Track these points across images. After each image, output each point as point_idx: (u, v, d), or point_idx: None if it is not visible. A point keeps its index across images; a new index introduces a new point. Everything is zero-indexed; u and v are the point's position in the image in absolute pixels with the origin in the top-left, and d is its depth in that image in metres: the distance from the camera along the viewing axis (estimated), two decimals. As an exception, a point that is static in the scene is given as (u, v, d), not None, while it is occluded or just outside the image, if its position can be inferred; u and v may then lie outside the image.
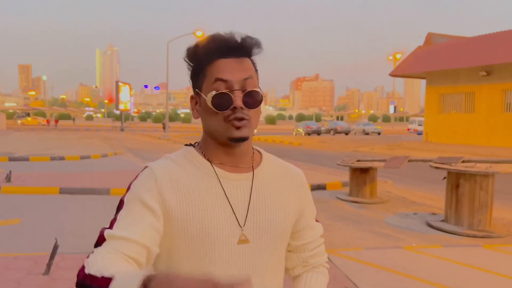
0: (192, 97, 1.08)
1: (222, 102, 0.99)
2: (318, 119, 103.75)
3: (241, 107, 0.99)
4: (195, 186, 1.02)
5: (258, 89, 1.02)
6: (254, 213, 1.04)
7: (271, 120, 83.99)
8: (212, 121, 1.02)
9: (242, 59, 1.02)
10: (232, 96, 0.99)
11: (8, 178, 9.20)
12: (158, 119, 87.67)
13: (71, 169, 12.06)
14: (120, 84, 46.48)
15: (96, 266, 0.83)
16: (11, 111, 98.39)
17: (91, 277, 0.81)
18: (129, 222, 0.95)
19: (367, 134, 44.12)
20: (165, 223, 0.98)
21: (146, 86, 69.75)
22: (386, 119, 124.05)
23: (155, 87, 68.87)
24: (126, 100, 47.86)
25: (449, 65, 24.55)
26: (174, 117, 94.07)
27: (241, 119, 0.99)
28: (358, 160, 8.49)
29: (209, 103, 0.99)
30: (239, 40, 1.01)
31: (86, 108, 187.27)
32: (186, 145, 1.12)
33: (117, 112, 50.27)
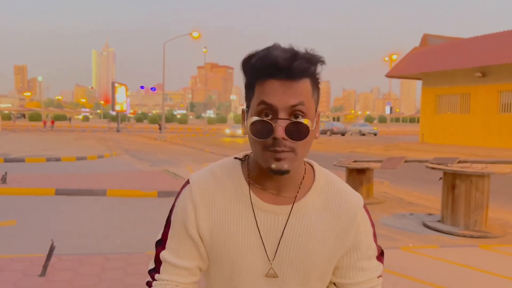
0: (243, 111, 0.98)
1: (262, 130, 0.88)
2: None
3: (284, 138, 0.88)
4: (229, 211, 0.98)
5: (305, 120, 0.88)
6: (285, 248, 0.98)
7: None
8: (253, 146, 0.93)
9: (295, 81, 0.88)
10: (273, 125, 0.87)
11: (3, 179, 9.15)
12: (154, 120, 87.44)
13: (67, 170, 12.02)
14: (116, 85, 46.38)
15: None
16: (6, 112, 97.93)
17: None
18: (177, 245, 1.02)
19: (364, 135, 44.23)
20: (203, 248, 1.03)
21: (142, 87, 69.66)
22: (382, 120, 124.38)
23: (151, 88, 68.71)
24: (122, 101, 47.76)
25: (445, 66, 24.66)
26: (170, 118, 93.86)
27: (283, 151, 0.89)
28: (355, 161, 8.51)
29: (248, 129, 0.90)
30: (293, 59, 0.87)
31: (82, 109, 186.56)
32: (235, 158, 1.04)
33: (113, 113, 50.14)
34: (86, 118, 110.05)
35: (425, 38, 28.89)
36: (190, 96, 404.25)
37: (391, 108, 66.92)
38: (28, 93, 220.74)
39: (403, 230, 6.27)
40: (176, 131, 49.00)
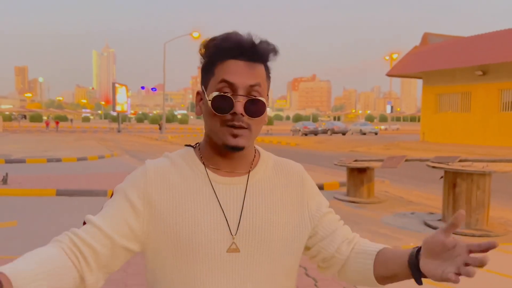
0: (198, 93, 1.03)
1: (223, 105, 0.94)
2: (315, 119, 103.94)
3: (242, 114, 0.93)
4: (186, 189, 0.98)
5: (262, 98, 0.95)
6: (247, 219, 0.98)
7: (268, 121, 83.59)
8: (210, 122, 0.97)
9: (254, 64, 0.96)
10: (234, 100, 0.93)
11: (4, 180, 9.16)
12: (155, 120, 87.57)
13: (68, 171, 12.02)
14: (116, 85, 46.43)
15: (38, 249, 0.87)
16: (7, 113, 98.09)
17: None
18: (109, 212, 0.96)
19: (364, 134, 44.23)
20: (149, 222, 0.96)
21: (143, 88, 69.74)
22: (383, 119, 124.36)
23: (152, 89, 68.76)
24: (123, 102, 47.81)
25: (445, 65, 24.65)
26: (171, 118, 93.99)
27: (240, 127, 0.94)
28: (355, 160, 8.50)
29: (209, 104, 0.95)
30: (254, 43, 0.95)
31: (83, 110, 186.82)
32: (186, 145, 1.08)
33: (114, 113, 50.20)
34: (86, 119, 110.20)
35: (426, 37, 28.87)
36: (190, 96, 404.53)
37: (391, 107, 66.82)
38: (29, 94, 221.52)
39: (404, 229, 6.26)
40: (176, 131, 49.04)
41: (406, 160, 7.63)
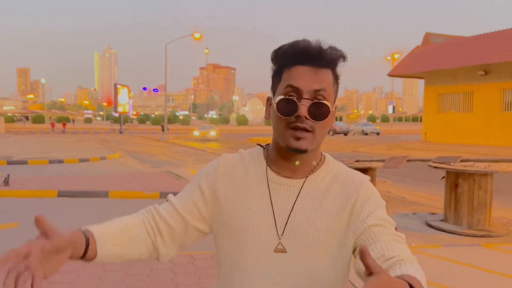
0: (268, 98, 1.08)
1: (287, 108, 0.97)
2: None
3: (306, 117, 0.96)
4: (246, 184, 1.05)
5: (326, 102, 0.97)
6: (294, 222, 1.00)
7: (270, 122, 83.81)
8: (276, 125, 1.01)
9: (320, 69, 0.98)
10: (298, 103, 0.96)
11: (6, 182, 9.17)
12: (157, 121, 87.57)
13: (69, 172, 12.04)
14: (118, 86, 46.47)
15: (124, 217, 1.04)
16: (9, 114, 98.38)
17: None
18: (184, 195, 1.09)
19: (366, 134, 44.15)
20: (214, 209, 1.07)
21: (144, 89, 69.79)
22: (385, 119, 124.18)
23: (153, 89, 68.85)
24: (125, 103, 47.84)
25: (447, 65, 24.60)
26: (173, 119, 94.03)
27: (303, 129, 0.97)
28: (357, 161, 8.48)
29: (274, 107, 0.99)
30: (320, 49, 0.98)
31: (85, 111, 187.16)
32: (257, 144, 1.14)
33: (116, 114, 50.27)
34: (88, 120, 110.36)
35: (427, 37, 28.82)
36: (192, 97, 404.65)
37: (393, 108, 66.66)
38: (31, 95, 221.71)
39: (406, 229, 6.24)
40: (178, 132, 49.05)
41: (408, 160, 7.60)
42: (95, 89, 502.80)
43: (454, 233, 5.93)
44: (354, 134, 45.47)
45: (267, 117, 1.07)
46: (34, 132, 44.96)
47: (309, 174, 1.05)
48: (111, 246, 0.96)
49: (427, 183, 10.46)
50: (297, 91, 0.97)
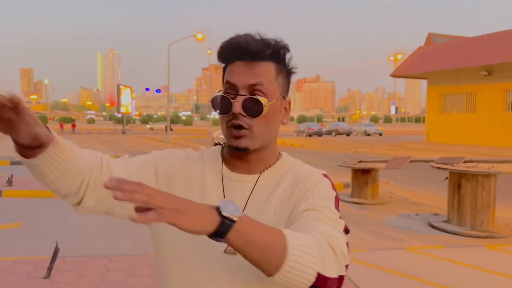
0: None
1: (221, 105, 0.95)
2: (319, 120, 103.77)
3: (241, 114, 0.93)
4: (201, 180, 1.01)
5: (259, 97, 0.92)
6: None
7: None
8: (220, 124, 0.99)
9: (257, 63, 0.94)
10: (232, 101, 0.93)
11: (9, 182, 9.20)
12: (159, 121, 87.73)
13: (72, 173, 12.06)
14: (121, 87, 46.62)
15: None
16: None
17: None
18: (136, 161, 1.05)
19: (369, 135, 44.09)
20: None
21: (147, 89, 69.95)
22: (388, 120, 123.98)
23: (156, 90, 68.95)
24: (128, 103, 47.99)
25: (450, 65, 24.53)
26: (175, 120, 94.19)
27: (240, 127, 0.93)
28: (360, 161, 8.48)
29: (210, 104, 0.98)
30: (255, 41, 0.94)
31: (88, 112, 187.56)
32: (215, 144, 1.12)
33: (119, 115, 50.36)
34: (91, 120, 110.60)
35: (430, 37, 28.76)
36: (195, 97, 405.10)
37: (396, 108, 66.59)
38: (34, 96, 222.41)
39: (409, 230, 6.23)
40: (181, 132, 49.11)
41: (411, 161, 7.59)
42: (98, 90, 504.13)
43: (457, 234, 5.91)
44: (356, 134, 45.40)
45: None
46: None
47: (263, 170, 1.01)
48: (61, 151, 0.88)
49: (430, 183, 10.43)
50: (234, 88, 0.94)
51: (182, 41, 42.80)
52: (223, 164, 1.03)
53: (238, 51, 0.94)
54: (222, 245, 0.92)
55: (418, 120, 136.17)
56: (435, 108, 27.13)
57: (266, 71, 0.95)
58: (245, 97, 0.93)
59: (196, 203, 0.73)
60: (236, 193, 0.99)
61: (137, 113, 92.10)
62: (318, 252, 0.78)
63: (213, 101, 0.96)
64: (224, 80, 0.97)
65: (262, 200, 0.98)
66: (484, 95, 23.84)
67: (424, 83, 28.91)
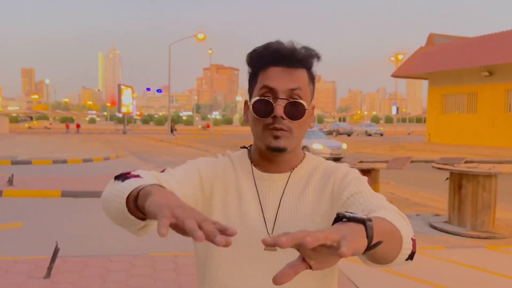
0: (245, 102, 1.08)
1: (263, 108, 0.98)
2: (320, 120, 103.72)
3: (282, 117, 0.97)
4: (237, 188, 1.05)
5: (302, 101, 0.98)
6: (282, 217, 1.01)
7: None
8: (254, 127, 1.02)
9: (294, 69, 0.99)
10: (274, 104, 0.97)
11: (10, 182, 9.20)
12: (160, 122, 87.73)
13: (73, 172, 12.07)
14: (122, 87, 46.67)
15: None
16: (14, 114, 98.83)
17: (127, 173, 0.92)
18: (180, 175, 1.02)
19: (370, 135, 44.09)
20: (206, 203, 1.04)
21: (148, 89, 70.00)
22: (389, 120, 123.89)
23: (157, 90, 69.00)
24: (129, 103, 48.03)
25: (451, 66, 24.52)
26: (176, 120, 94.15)
27: (281, 129, 0.97)
28: (360, 162, 8.46)
29: (251, 108, 1.00)
30: (293, 49, 0.99)
31: (89, 112, 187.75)
32: (241, 147, 1.14)
33: (120, 115, 50.40)
34: (92, 120, 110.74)
35: (431, 38, 28.75)
36: (196, 97, 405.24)
37: (397, 108, 66.57)
38: (35, 96, 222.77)
39: (409, 231, 6.21)
40: (182, 132, 49.11)
41: (412, 162, 7.58)
42: (99, 90, 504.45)
43: (458, 235, 5.90)
44: (357, 135, 45.42)
45: (246, 120, 1.07)
46: (49, 132, 45.13)
47: (293, 169, 1.06)
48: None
49: (430, 184, 10.41)
50: (273, 92, 0.98)
51: (183, 41, 42.87)
52: (252, 166, 1.07)
53: (279, 56, 0.99)
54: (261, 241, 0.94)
55: (419, 120, 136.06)
56: (436, 108, 27.11)
57: (302, 77, 1.00)
58: (287, 100, 0.97)
59: (334, 226, 0.68)
60: (270, 192, 1.04)
61: (138, 113, 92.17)
62: (404, 222, 0.84)
63: (254, 104, 0.99)
64: (261, 85, 0.99)
65: (296, 197, 1.03)
66: (486, 96, 23.82)
67: (425, 83, 28.88)
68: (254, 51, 1.02)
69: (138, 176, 0.88)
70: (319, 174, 1.06)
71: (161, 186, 0.80)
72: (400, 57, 48.91)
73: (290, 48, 0.99)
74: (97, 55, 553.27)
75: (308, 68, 1.02)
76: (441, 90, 26.70)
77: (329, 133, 43.10)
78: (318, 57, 1.02)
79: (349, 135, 43.58)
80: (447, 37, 29.42)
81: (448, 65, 24.77)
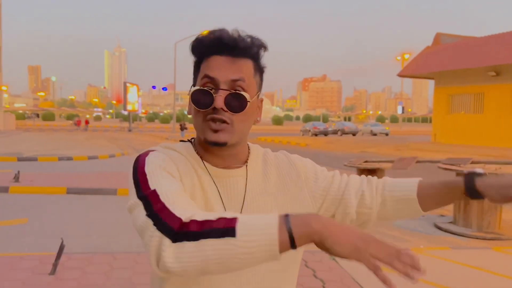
0: (189, 92, 1.01)
1: (202, 99, 0.92)
2: (325, 119, 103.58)
3: (222, 109, 0.91)
4: (192, 180, 0.95)
5: (244, 93, 0.92)
6: (248, 213, 0.96)
7: (278, 121, 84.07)
8: (195, 119, 0.96)
9: (238, 59, 0.94)
10: (214, 95, 0.91)
11: (16, 178, 9.27)
12: (165, 119, 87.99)
13: (78, 169, 12.13)
14: (128, 85, 46.84)
15: (192, 213, 0.78)
16: (20, 111, 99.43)
17: (200, 222, 0.75)
18: (168, 181, 0.87)
19: (375, 135, 43.92)
20: None
21: (154, 87, 70.06)
22: (394, 120, 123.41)
23: (162, 88, 69.08)
24: (134, 101, 48.19)
25: (457, 65, 24.35)
26: (181, 118, 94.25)
27: (221, 121, 0.91)
28: (366, 161, 8.43)
29: (189, 98, 0.94)
30: (237, 38, 0.94)
31: (95, 109, 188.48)
32: (181, 141, 1.05)
33: (125, 112, 50.58)
34: (98, 118, 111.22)
35: (438, 37, 28.57)
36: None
37: (403, 108, 66.26)
38: (42, 93, 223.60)
39: (414, 231, 6.19)
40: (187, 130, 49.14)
41: (417, 162, 7.54)
42: (104, 87, 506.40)
43: (464, 236, 5.86)
44: (362, 134, 45.24)
45: (189, 112, 0.98)
46: (55, 129, 45.36)
47: (245, 162, 1.02)
48: None
49: (436, 184, 10.35)
50: (214, 82, 0.92)
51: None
52: (204, 161, 0.99)
53: (220, 45, 0.93)
54: None
55: (425, 120, 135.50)
56: (443, 108, 26.95)
57: (247, 67, 0.95)
58: (228, 92, 0.92)
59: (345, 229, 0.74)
60: (231, 190, 0.98)
61: (143, 110, 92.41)
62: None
63: (193, 95, 0.93)
64: (202, 74, 0.94)
65: (257, 192, 1.00)
66: (492, 96, 23.65)
67: (431, 83, 28.72)
68: (197, 38, 0.97)
69: (233, 219, 0.75)
70: (273, 164, 1.06)
71: (314, 215, 0.75)
72: (406, 56, 48.71)
73: (233, 36, 0.93)
74: (103, 52, 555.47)
75: (254, 58, 0.96)
76: (448, 90, 26.55)
77: (334, 132, 43.05)
78: (264, 46, 0.97)
79: (354, 134, 43.42)
80: (454, 36, 29.23)
81: (454, 64, 24.60)
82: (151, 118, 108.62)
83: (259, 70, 0.99)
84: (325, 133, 39.98)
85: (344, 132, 43.09)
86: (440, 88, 27.10)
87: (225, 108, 0.91)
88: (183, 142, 1.04)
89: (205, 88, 0.92)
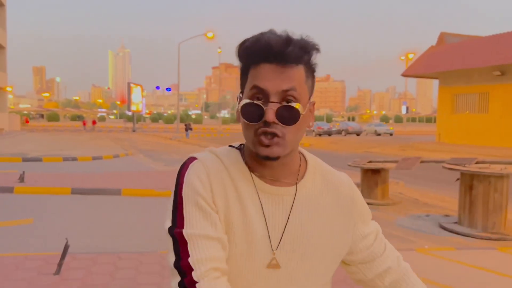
0: (238, 98, 0.96)
1: (252, 113, 0.88)
2: (329, 120, 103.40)
3: (274, 122, 0.87)
4: (235, 193, 0.93)
5: (296, 104, 0.87)
6: (291, 235, 0.93)
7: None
8: (245, 131, 0.92)
9: (288, 66, 0.88)
10: (264, 108, 0.86)
11: (21, 179, 9.31)
12: (169, 120, 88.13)
13: (83, 170, 12.17)
14: (132, 85, 46.93)
15: (208, 267, 0.86)
16: (25, 112, 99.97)
17: None
18: (198, 217, 0.89)
19: (379, 135, 43.82)
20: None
21: (157, 87, 70.25)
22: (398, 119, 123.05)
23: (166, 89, 69.26)
24: (138, 101, 48.30)
25: (462, 65, 24.25)
26: (185, 118, 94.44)
27: (272, 134, 0.87)
28: (370, 161, 8.41)
29: (240, 112, 0.90)
30: (286, 43, 0.87)
31: (99, 109, 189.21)
32: (230, 146, 1.01)
33: (129, 113, 50.71)
34: (102, 118, 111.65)
35: (442, 37, 28.47)
36: (204, 96, 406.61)
37: (407, 108, 66.02)
38: (46, 94, 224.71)
39: (419, 231, 6.17)
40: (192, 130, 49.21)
41: (422, 162, 7.52)
42: (108, 88, 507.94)
43: (469, 236, 5.84)
44: (367, 134, 45.16)
45: (238, 120, 0.93)
46: (61, 129, 45.55)
47: (297, 179, 0.97)
48: None
49: (440, 184, 10.32)
50: (264, 93, 0.87)
51: (193, 39, 42.98)
52: (252, 174, 0.95)
53: (269, 53, 0.87)
54: (266, 259, 0.93)
55: (429, 120, 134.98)
56: (447, 108, 26.85)
57: (298, 75, 0.89)
58: (279, 105, 0.87)
59: None
60: (276, 208, 0.94)
61: (147, 111, 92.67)
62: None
63: (243, 108, 0.89)
64: (251, 84, 0.89)
65: (305, 215, 0.96)
66: (497, 95, 23.53)
67: (435, 83, 28.62)
68: (243, 44, 0.91)
69: None
70: (331, 189, 1.01)
71: None
72: (410, 56, 48.55)
73: (283, 42, 0.87)
74: (107, 53, 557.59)
75: (306, 63, 0.91)
76: (452, 90, 26.45)
77: (338, 132, 42.99)
78: (316, 49, 0.91)
79: (358, 134, 43.36)
80: (459, 36, 29.11)
81: (459, 64, 24.51)
82: (155, 118, 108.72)
83: (311, 72, 0.94)
84: (329, 133, 39.94)
85: (348, 132, 43.04)
86: (445, 87, 26.99)
87: (276, 121, 0.87)
88: (232, 148, 1.00)
89: (255, 102, 0.88)
